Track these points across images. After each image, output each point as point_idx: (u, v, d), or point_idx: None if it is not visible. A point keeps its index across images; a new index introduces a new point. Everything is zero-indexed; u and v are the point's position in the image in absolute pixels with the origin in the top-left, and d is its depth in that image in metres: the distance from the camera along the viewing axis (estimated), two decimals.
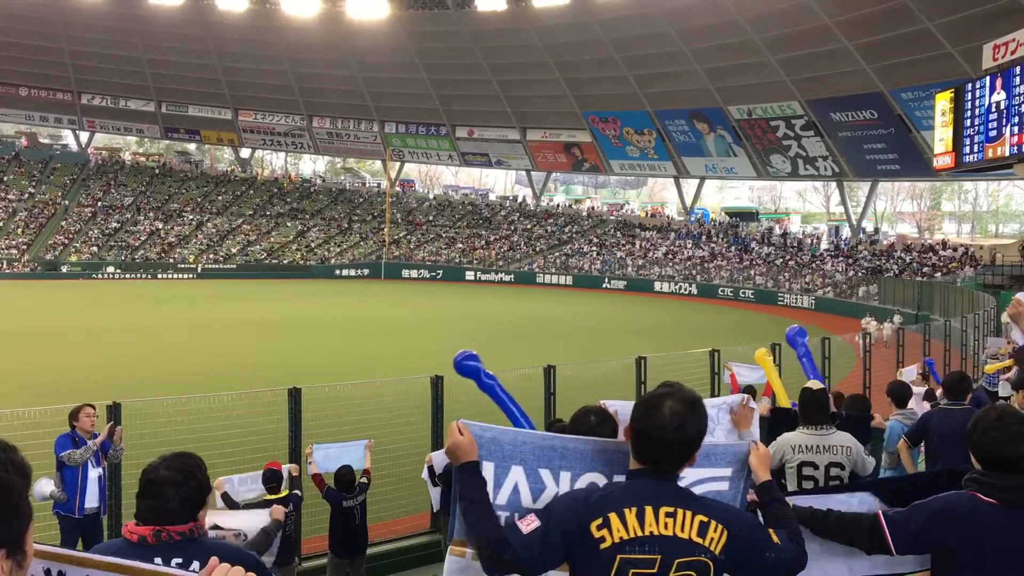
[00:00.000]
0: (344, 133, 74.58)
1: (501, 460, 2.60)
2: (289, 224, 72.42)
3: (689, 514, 2.36)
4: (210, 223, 71.25)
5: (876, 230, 66.84)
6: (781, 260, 55.18)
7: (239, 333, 29.59)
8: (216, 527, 6.12)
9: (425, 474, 8.49)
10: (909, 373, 12.18)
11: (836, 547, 2.85)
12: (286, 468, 7.91)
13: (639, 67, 56.64)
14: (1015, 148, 24.22)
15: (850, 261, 51.89)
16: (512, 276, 61.68)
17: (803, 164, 56.00)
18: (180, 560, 2.60)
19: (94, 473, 7.84)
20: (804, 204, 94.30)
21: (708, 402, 2.57)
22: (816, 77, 49.35)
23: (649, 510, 2.34)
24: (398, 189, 78.02)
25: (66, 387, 16.96)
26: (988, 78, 25.60)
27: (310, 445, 8.27)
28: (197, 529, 2.70)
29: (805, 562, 2.56)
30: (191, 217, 71.70)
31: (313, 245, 69.62)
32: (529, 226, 69.56)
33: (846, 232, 60.16)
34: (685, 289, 54.94)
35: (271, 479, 7.54)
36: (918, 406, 8.61)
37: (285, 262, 66.87)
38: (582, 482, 2.64)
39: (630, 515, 2.33)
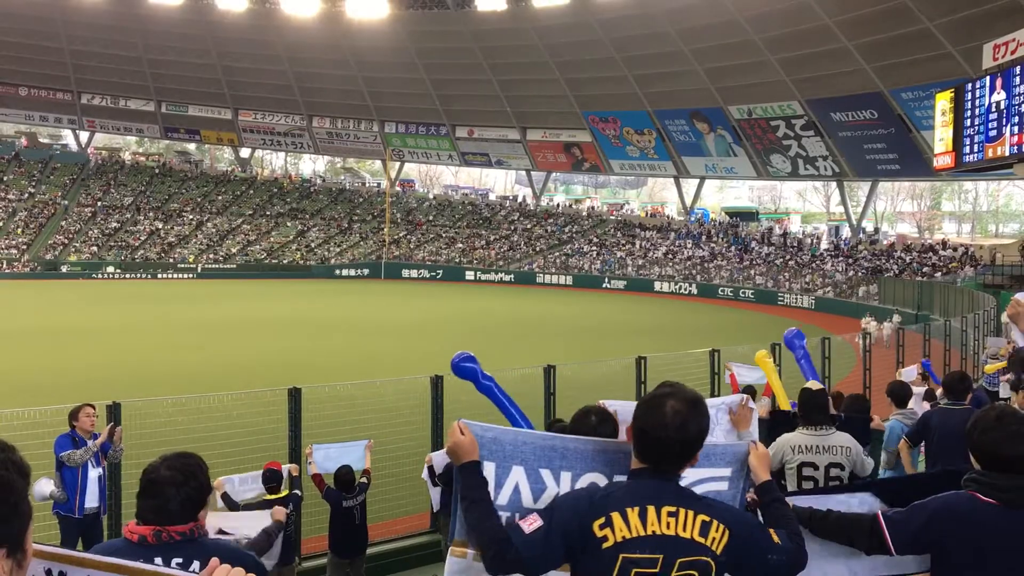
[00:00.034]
0: (344, 133, 74.58)
1: (502, 460, 2.60)
2: (289, 224, 72.43)
3: (691, 514, 2.36)
4: (210, 223, 71.25)
5: (876, 230, 66.84)
6: (781, 260, 55.18)
7: (239, 333, 29.59)
8: (222, 532, 6.12)
9: (425, 474, 8.49)
10: (909, 373, 12.18)
11: (836, 548, 2.84)
12: (286, 468, 7.91)
13: (639, 67, 56.64)
14: (1015, 148, 24.22)
15: (850, 261, 51.89)
16: (512, 276, 61.68)
17: (803, 164, 56.01)
18: (180, 560, 2.60)
19: (94, 473, 7.84)
20: (804, 204, 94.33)
21: (707, 402, 2.58)
22: (816, 77, 49.35)
23: (651, 509, 2.34)
24: (398, 189, 78.02)
25: (66, 387, 16.96)
26: (988, 78, 25.59)
27: (310, 445, 8.27)
28: (197, 529, 2.71)
29: (805, 562, 2.56)
30: (191, 217, 71.70)
31: (313, 245, 69.62)
32: (529, 226, 69.56)
33: (846, 232, 60.16)
34: (685, 289, 54.94)
35: (271, 479, 7.54)
36: (918, 406, 8.61)
37: (285, 262, 66.87)
38: (583, 482, 2.64)
39: (632, 514, 2.33)
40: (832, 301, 46.43)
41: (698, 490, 2.58)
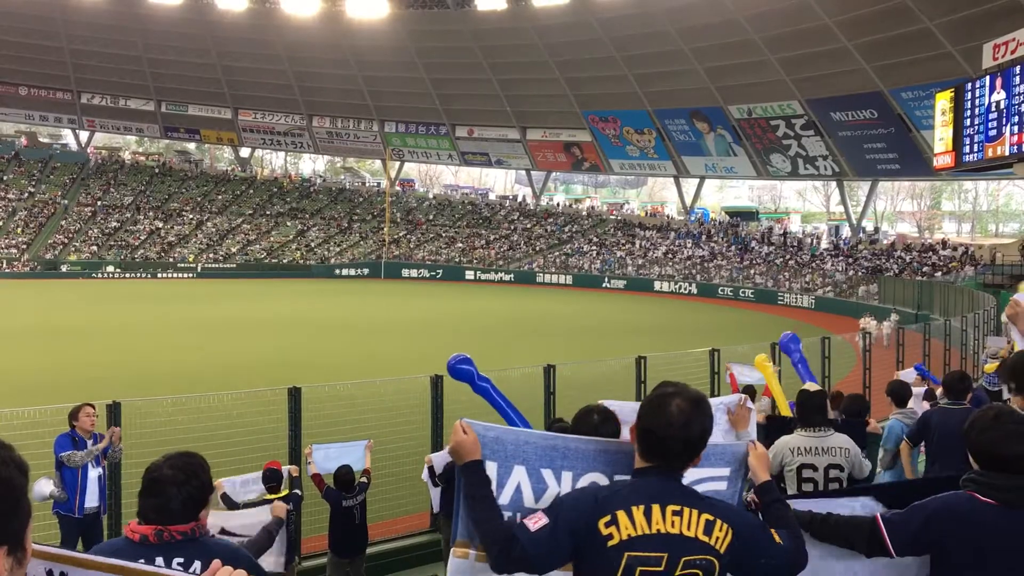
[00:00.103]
0: (344, 132, 74.57)
1: (504, 460, 2.60)
2: (289, 223, 72.42)
3: (695, 513, 2.37)
4: (210, 222, 71.25)
5: (876, 229, 66.83)
6: (781, 259, 55.18)
7: (239, 333, 29.59)
8: (225, 532, 6.12)
9: (425, 475, 8.50)
10: (908, 375, 12.17)
11: (836, 551, 2.84)
12: (286, 469, 7.91)
13: (639, 66, 56.63)
14: (1015, 147, 24.21)
15: (850, 260, 51.89)
16: (512, 275, 61.67)
17: (803, 163, 56.01)
18: (182, 560, 2.61)
19: (94, 473, 7.85)
20: (804, 203, 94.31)
21: None
22: (816, 76, 49.35)
23: (656, 508, 2.35)
24: (398, 188, 78.02)
25: (66, 387, 16.95)
26: (988, 77, 25.59)
27: (309, 445, 8.27)
28: (199, 529, 2.71)
29: (806, 562, 2.57)
30: (191, 216, 71.69)
31: (313, 244, 69.62)
32: (529, 225, 69.56)
33: (846, 231, 60.17)
34: (685, 289, 54.94)
35: (271, 478, 7.54)
36: (918, 406, 8.61)
37: (285, 261, 66.86)
38: (584, 481, 2.64)
39: (638, 513, 2.34)
40: (832, 301, 46.43)
41: (697, 489, 2.59)
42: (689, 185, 68.13)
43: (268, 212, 73.78)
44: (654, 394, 2.52)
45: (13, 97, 74.11)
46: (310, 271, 64.37)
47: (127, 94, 74.75)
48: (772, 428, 6.14)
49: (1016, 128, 24.10)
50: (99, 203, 71.17)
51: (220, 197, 75.06)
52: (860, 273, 49.39)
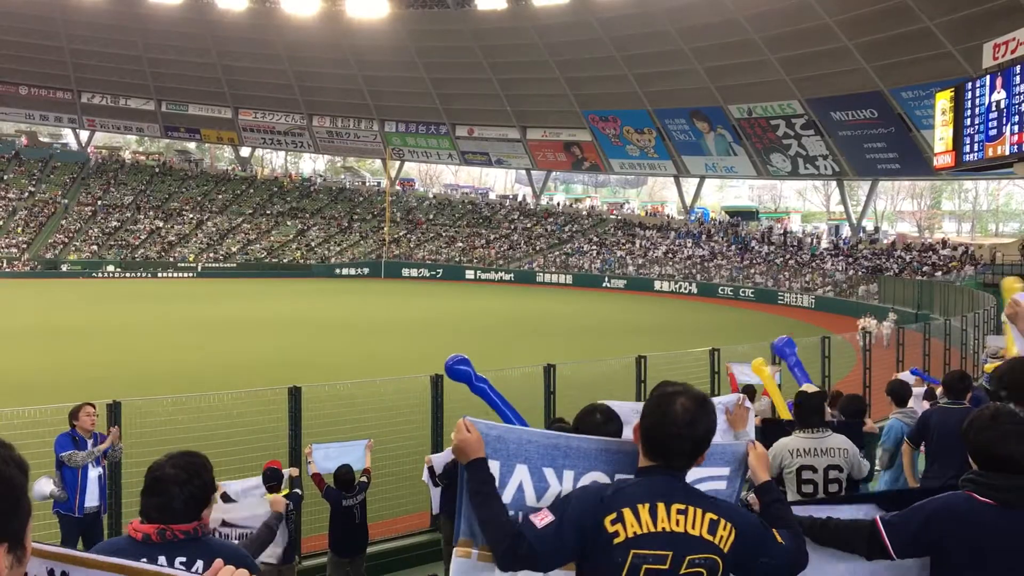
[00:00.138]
0: (344, 132, 74.57)
1: (506, 459, 2.60)
2: (289, 223, 72.43)
3: (700, 512, 2.38)
4: (210, 222, 71.25)
5: (876, 229, 66.85)
6: (781, 259, 55.18)
7: (239, 332, 29.59)
8: (225, 523, 6.14)
9: (425, 476, 8.51)
10: (905, 379, 12.17)
11: (836, 555, 2.83)
12: (286, 472, 7.92)
13: (639, 66, 56.62)
14: (1015, 147, 24.21)
15: (850, 260, 51.89)
16: (512, 275, 61.67)
17: (803, 163, 56.00)
18: (184, 559, 2.61)
19: (94, 472, 7.85)
20: (804, 203, 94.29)
21: None
22: (816, 76, 49.34)
23: (661, 506, 2.36)
24: (398, 188, 78.02)
25: (66, 386, 16.96)
26: (988, 77, 25.59)
27: (310, 444, 8.27)
28: (201, 528, 2.72)
29: (806, 562, 2.58)
30: (191, 216, 71.70)
31: (313, 244, 69.62)
32: (529, 225, 69.56)
33: (846, 231, 60.17)
34: (685, 288, 54.93)
35: (271, 477, 7.55)
36: (918, 405, 8.62)
37: (285, 261, 66.87)
38: (585, 481, 2.64)
39: (643, 511, 2.35)
40: (832, 300, 46.43)
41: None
42: (689, 185, 68.13)
43: (268, 212, 73.79)
44: (658, 393, 2.53)
45: (13, 96, 74.12)
46: (310, 271, 64.38)
47: (127, 94, 74.76)
48: (768, 431, 6.14)
49: (1016, 128, 24.10)
50: (99, 202, 71.19)
51: (220, 197, 75.06)
52: (860, 273, 49.39)
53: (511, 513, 2.55)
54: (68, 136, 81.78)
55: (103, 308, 38.05)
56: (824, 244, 57.90)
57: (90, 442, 7.77)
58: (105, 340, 27.02)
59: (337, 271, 64.66)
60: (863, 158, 52.13)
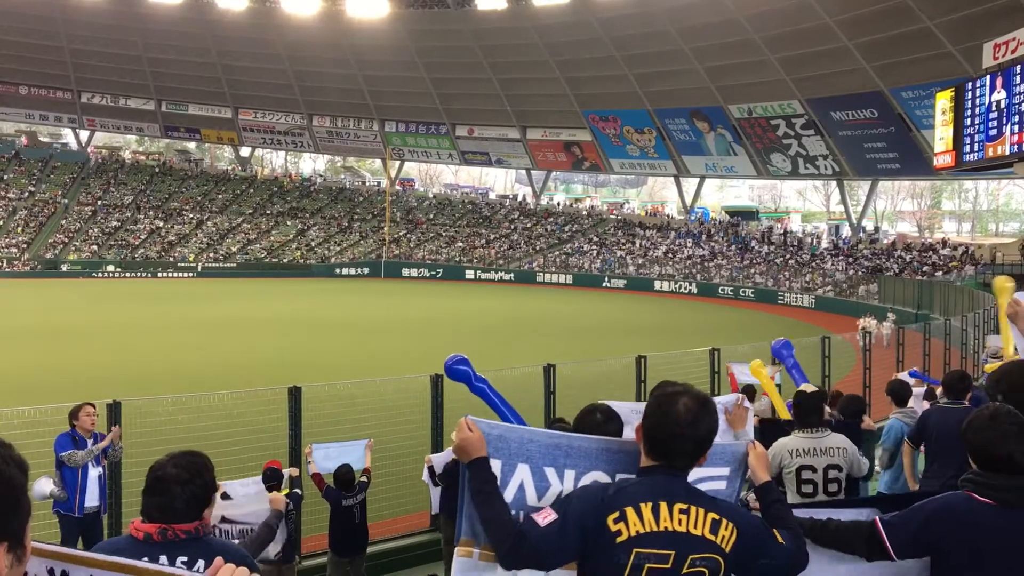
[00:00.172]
0: (344, 132, 74.57)
1: (508, 458, 2.59)
2: (289, 223, 72.43)
3: (702, 511, 2.38)
4: (210, 222, 71.26)
5: (876, 229, 66.84)
6: (781, 259, 55.17)
7: (239, 332, 29.59)
8: (225, 520, 6.14)
9: (426, 476, 8.51)
10: (906, 378, 12.17)
11: (837, 556, 2.83)
12: (286, 472, 7.92)
13: (639, 66, 56.63)
14: (1015, 147, 24.23)
15: (850, 260, 51.89)
16: (512, 275, 61.67)
17: (803, 163, 56.00)
18: (185, 559, 2.61)
19: (94, 472, 7.85)
20: (804, 203, 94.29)
21: None
22: (816, 76, 49.35)
23: (664, 506, 2.36)
24: (398, 188, 78.02)
25: (66, 386, 16.95)
26: (988, 77, 25.60)
27: (309, 444, 8.28)
28: (203, 528, 2.72)
29: (806, 562, 2.58)
30: (191, 216, 71.71)
31: (313, 244, 69.63)
32: (529, 225, 69.56)
33: (846, 231, 60.17)
34: (685, 288, 54.93)
35: (271, 477, 7.54)
36: (918, 405, 8.62)
37: (285, 261, 66.88)
38: (586, 480, 2.64)
39: (646, 510, 2.35)
40: (832, 300, 46.43)
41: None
42: (689, 184, 68.13)
43: (268, 211, 73.80)
44: (660, 393, 2.53)
45: (13, 96, 74.12)
46: (310, 270, 64.38)
47: (127, 93, 74.76)
48: (767, 431, 6.14)
49: (1016, 127, 24.11)
50: (99, 202, 71.20)
51: (220, 196, 75.07)
52: (860, 273, 49.39)
53: (512, 512, 2.55)
54: (68, 136, 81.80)
55: (103, 308, 38.05)
56: (824, 244, 57.89)
57: (90, 442, 7.77)
58: (105, 340, 27.02)
59: (337, 271, 64.67)
60: (863, 158, 52.13)
